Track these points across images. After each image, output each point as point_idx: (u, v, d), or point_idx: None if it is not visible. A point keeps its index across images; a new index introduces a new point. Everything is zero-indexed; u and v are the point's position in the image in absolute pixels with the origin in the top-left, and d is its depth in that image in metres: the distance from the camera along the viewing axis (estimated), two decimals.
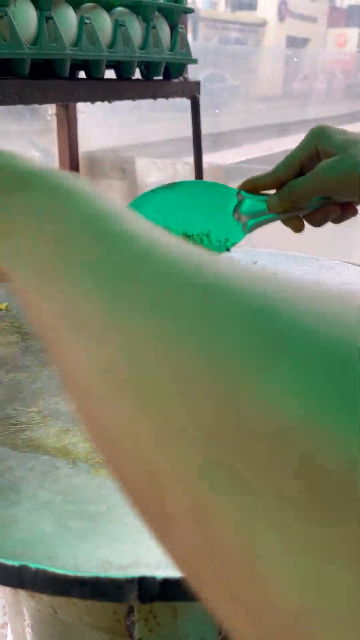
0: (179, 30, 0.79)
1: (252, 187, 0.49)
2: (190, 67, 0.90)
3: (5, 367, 0.46)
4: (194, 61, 0.85)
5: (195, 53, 0.84)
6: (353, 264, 0.66)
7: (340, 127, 0.48)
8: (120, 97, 0.77)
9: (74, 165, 1.19)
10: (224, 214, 0.49)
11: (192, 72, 0.92)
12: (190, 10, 0.82)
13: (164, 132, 1.57)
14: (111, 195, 1.04)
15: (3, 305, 0.55)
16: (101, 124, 1.34)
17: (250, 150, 1.83)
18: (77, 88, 0.69)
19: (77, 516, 0.28)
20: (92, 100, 0.72)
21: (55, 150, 1.14)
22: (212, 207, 0.50)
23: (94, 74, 0.72)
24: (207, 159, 1.13)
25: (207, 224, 0.50)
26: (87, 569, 0.24)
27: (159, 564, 0.24)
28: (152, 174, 1.19)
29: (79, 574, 0.24)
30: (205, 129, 0.96)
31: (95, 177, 1.27)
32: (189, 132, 0.97)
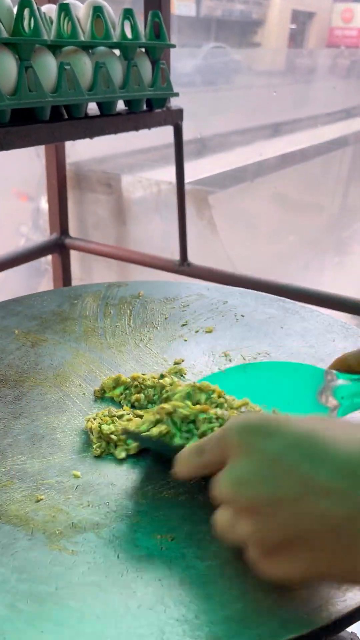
0: (161, 66, 0.81)
1: (346, 366, 0.45)
2: (194, 40, 0.90)
3: None
4: (176, 94, 0.87)
5: (198, 25, 0.84)
6: (319, 307, 0.70)
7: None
8: (103, 133, 0.79)
9: (61, 179, 1.21)
10: (307, 397, 0.44)
11: (196, 46, 0.92)
12: (172, 46, 0.83)
13: (153, 137, 1.59)
14: (98, 209, 1.07)
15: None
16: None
17: (240, 155, 1.84)
18: (59, 129, 0.71)
19: (28, 597, 0.32)
20: (74, 138, 0.74)
21: (43, 162, 1.16)
22: (292, 389, 0.45)
23: (75, 114, 0.74)
24: (192, 167, 1.15)
25: (286, 408, 0.44)
26: None
27: None
28: (137, 191, 1.21)
29: None
30: (196, 123, 0.94)
31: (83, 191, 1.29)
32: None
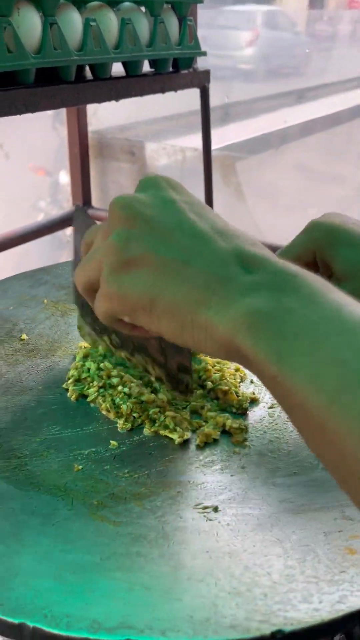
0: (188, 22, 0.77)
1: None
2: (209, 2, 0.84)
3: (12, 389, 0.49)
4: (204, 53, 0.83)
5: None
6: None
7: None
8: (128, 95, 0.76)
9: (83, 148, 1.18)
10: None
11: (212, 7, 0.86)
12: (199, 1, 0.79)
13: (175, 104, 1.54)
14: (121, 178, 1.04)
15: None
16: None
17: (264, 122, 1.79)
18: (84, 90, 0.68)
19: (73, 568, 0.31)
20: (99, 101, 0.72)
21: (60, 135, 1.13)
22: None
23: (100, 74, 0.71)
24: (217, 135, 1.11)
25: None
26: (78, 629, 0.27)
27: (143, 627, 0.27)
28: (161, 159, 1.18)
29: (71, 633, 0.27)
30: (217, 91, 0.91)
31: (105, 160, 1.26)
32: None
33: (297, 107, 1.95)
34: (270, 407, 0.47)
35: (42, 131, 1.57)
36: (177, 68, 0.83)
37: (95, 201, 1.29)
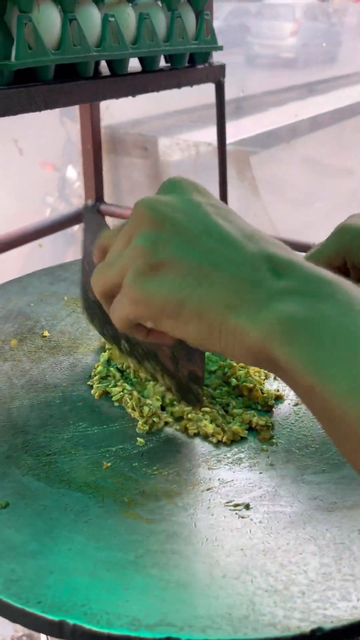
0: (205, 17, 0.77)
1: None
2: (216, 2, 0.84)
3: (37, 386, 0.49)
4: (220, 48, 0.82)
5: None
6: None
7: None
8: (145, 90, 0.75)
9: (96, 144, 1.18)
10: None
11: (217, 7, 0.87)
12: None
13: (188, 98, 1.54)
14: (133, 173, 1.04)
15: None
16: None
17: (275, 115, 1.78)
18: (102, 86, 0.68)
19: (108, 565, 0.31)
20: (117, 96, 0.71)
21: (68, 130, 1.13)
22: None
23: (117, 70, 0.70)
24: (230, 129, 1.10)
25: None
26: (119, 626, 0.27)
27: (182, 624, 0.27)
28: (174, 154, 1.17)
29: (112, 630, 0.27)
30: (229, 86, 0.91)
31: (118, 155, 1.26)
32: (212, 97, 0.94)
33: (331, 93, 1.92)
34: (296, 405, 0.47)
35: (49, 126, 1.57)
36: (192, 63, 0.83)
37: (107, 197, 1.28)
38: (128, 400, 0.46)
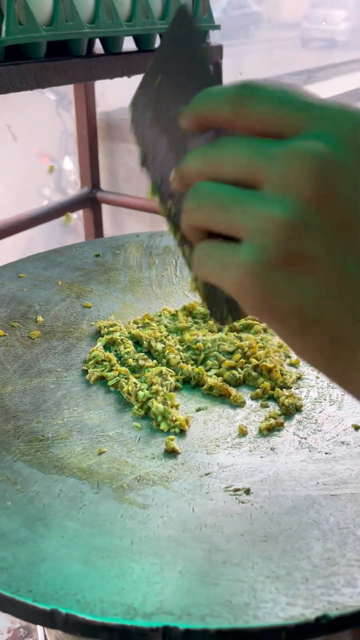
0: None
1: None
2: None
3: (30, 371, 0.47)
4: (217, 27, 0.80)
5: None
6: None
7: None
8: (141, 71, 0.73)
9: (91, 130, 1.16)
10: None
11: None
12: None
13: None
14: (130, 160, 1.02)
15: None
16: (118, 80, 1.29)
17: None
18: (96, 66, 0.66)
19: (102, 552, 0.30)
20: (112, 76, 0.69)
21: (64, 121, 1.11)
22: None
23: (111, 49, 0.68)
24: None
25: None
26: (114, 615, 0.26)
27: (181, 613, 0.26)
28: None
29: (107, 620, 0.26)
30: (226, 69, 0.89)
31: (114, 142, 1.24)
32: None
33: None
34: (314, 385, 0.45)
35: (46, 118, 1.55)
36: None
37: (103, 184, 1.26)
38: (124, 385, 0.45)
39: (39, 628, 0.58)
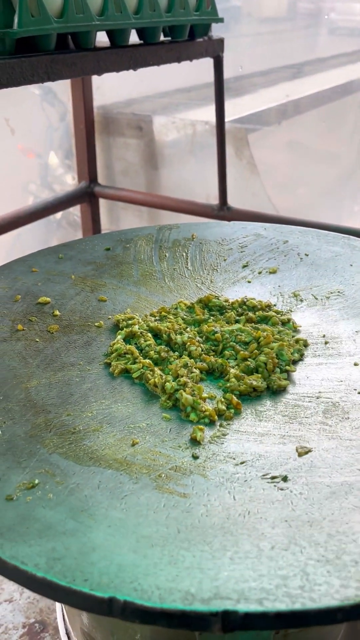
0: None
1: None
2: None
3: (53, 365, 0.47)
4: (221, 20, 0.80)
5: None
6: None
7: None
8: (146, 64, 0.73)
9: (89, 123, 1.15)
10: None
11: None
12: None
13: (182, 77, 1.51)
14: (127, 154, 1.02)
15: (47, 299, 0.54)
16: (114, 74, 1.28)
17: (266, 96, 1.76)
18: (104, 59, 0.66)
19: (151, 541, 0.30)
20: (118, 69, 0.69)
21: (49, 116, 1.10)
22: None
23: (119, 42, 0.68)
24: (228, 106, 1.08)
25: None
26: (171, 601, 0.26)
27: (238, 597, 0.26)
28: (170, 133, 1.15)
29: (165, 606, 0.26)
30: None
31: (111, 136, 1.23)
32: (209, 77, 0.93)
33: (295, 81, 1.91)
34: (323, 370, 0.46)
35: (29, 113, 1.53)
36: (192, 36, 0.81)
37: (101, 178, 1.26)
38: (149, 377, 0.45)
39: (60, 623, 0.58)
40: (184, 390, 0.42)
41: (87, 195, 1.21)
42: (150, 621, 0.26)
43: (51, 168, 1.78)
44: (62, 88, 1.29)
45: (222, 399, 0.42)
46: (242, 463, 0.36)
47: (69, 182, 1.46)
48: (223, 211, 1.03)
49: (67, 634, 0.55)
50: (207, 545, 0.29)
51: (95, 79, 1.19)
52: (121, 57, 0.69)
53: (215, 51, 0.86)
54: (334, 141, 1.61)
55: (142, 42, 0.75)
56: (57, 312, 0.55)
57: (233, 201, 1.04)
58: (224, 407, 0.42)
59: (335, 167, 1.59)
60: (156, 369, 0.46)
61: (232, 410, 0.42)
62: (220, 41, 0.87)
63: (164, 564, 0.28)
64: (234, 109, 1.32)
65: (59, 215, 1.65)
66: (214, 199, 1.08)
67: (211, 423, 0.40)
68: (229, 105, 1.00)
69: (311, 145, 1.52)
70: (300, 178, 1.47)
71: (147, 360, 0.47)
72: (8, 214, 1.07)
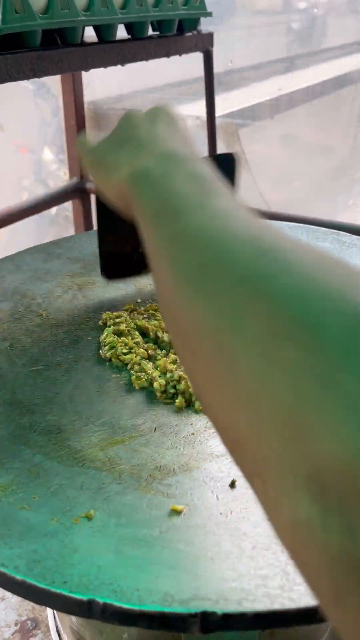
0: None
1: None
2: None
3: (39, 364, 0.47)
4: (209, 14, 0.80)
5: None
6: None
7: None
8: (135, 59, 0.73)
9: (80, 119, 1.15)
10: None
11: None
12: None
13: (173, 72, 1.50)
14: None
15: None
16: (104, 69, 1.28)
17: (258, 90, 1.75)
18: (91, 54, 0.65)
19: (133, 542, 0.30)
20: (106, 65, 0.69)
21: (42, 111, 1.09)
22: None
23: (106, 37, 0.68)
24: (219, 101, 1.07)
25: None
26: (151, 603, 0.26)
27: (217, 598, 0.26)
28: None
29: (145, 607, 0.26)
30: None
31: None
32: (199, 71, 0.92)
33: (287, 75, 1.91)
34: None
35: (23, 108, 1.52)
36: (181, 31, 0.80)
37: None
38: (142, 368, 0.45)
39: (50, 621, 0.58)
40: (180, 384, 0.43)
41: (79, 192, 1.20)
42: (130, 622, 0.26)
43: (45, 164, 1.77)
44: (55, 83, 1.29)
45: None
46: (227, 461, 0.36)
47: (64, 177, 1.46)
48: None
49: (58, 631, 0.56)
50: (188, 546, 0.29)
51: (85, 74, 1.19)
52: (108, 52, 0.68)
53: (205, 45, 0.86)
54: (327, 135, 1.60)
55: (130, 37, 0.74)
56: (43, 312, 0.55)
57: None
58: None
59: (329, 161, 1.58)
60: (147, 363, 0.46)
61: None
62: (210, 35, 0.86)
63: (145, 565, 0.28)
64: (224, 104, 1.32)
65: (54, 211, 1.65)
66: None
67: (197, 422, 0.40)
68: (220, 100, 1.00)
69: (304, 139, 1.52)
70: (293, 173, 1.47)
71: (142, 350, 0.47)
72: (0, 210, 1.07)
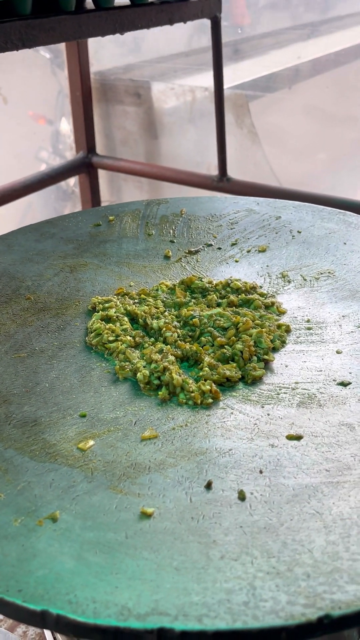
0: None
1: None
2: None
3: (22, 351, 0.46)
4: None
5: None
6: None
7: None
8: (134, 27, 0.69)
9: (86, 90, 1.11)
10: None
11: None
12: None
13: (182, 41, 1.44)
14: (126, 122, 0.98)
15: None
16: (111, 38, 1.23)
17: (276, 59, 1.68)
18: (85, 22, 0.62)
19: (96, 547, 0.28)
20: (103, 34, 0.65)
21: (60, 80, 1.06)
22: None
23: (103, 4, 0.64)
24: (227, 73, 1.03)
25: None
26: (106, 616, 0.25)
27: (176, 613, 0.25)
28: (169, 100, 1.10)
29: (99, 622, 0.25)
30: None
31: (110, 103, 1.19)
32: (207, 41, 0.88)
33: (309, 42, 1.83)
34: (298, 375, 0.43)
35: (40, 77, 1.49)
36: None
37: (99, 148, 1.22)
38: (125, 357, 0.44)
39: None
40: (164, 375, 0.41)
41: (85, 166, 1.17)
42: (84, 635, 0.25)
43: (63, 135, 1.74)
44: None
45: (203, 382, 0.41)
46: (205, 460, 0.35)
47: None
48: (222, 182, 0.99)
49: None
50: (153, 553, 0.28)
51: (91, 43, 1.15)
52: (105, 20, 0.65)
53: (212, 12, 0.81)
54: (347, 106, 1.53)
55: (130, 3, 0.70)
56: (31, 296, 0.53)
57: (234, 172, 1.00)
58: (207, 387, 0.40)
59: (352, 132, 1.52)
60: (128, 352, 0.44)
61: (210, 400, 0.40)
62: (218, 1, 0.82)
63: (105, 573, 0.27)
64: (234, 74, 1.27)
65: (71, 182, 1.62)
66: (215, 169, 1.04)
67: (194, 405, 0.39)
68: (229, 71, 0.95)
69: (325, 109, 1.46)
70: (311, 146, 1.41)
71: (129, 338, 0.45)
72: (3, 186, 1.05)
